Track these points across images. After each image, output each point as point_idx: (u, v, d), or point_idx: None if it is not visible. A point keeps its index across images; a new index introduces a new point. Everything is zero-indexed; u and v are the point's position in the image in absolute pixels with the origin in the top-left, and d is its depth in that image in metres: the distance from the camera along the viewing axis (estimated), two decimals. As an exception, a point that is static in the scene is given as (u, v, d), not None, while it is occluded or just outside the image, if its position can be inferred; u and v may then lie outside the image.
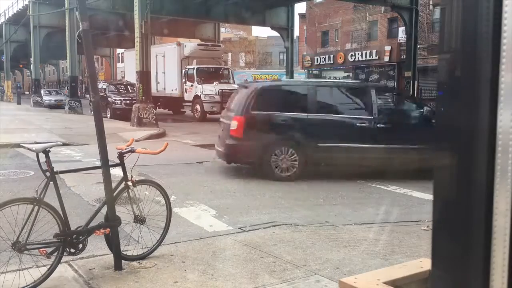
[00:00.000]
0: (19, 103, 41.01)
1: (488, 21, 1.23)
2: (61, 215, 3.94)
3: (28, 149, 4.05)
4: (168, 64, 27.10)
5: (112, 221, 4.24)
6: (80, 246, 4.08)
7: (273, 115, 8.84)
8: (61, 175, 5.36)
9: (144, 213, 4.54)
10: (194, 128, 20.00)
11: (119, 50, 56.25)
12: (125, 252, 4.44)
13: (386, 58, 33.80)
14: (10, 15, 42.68)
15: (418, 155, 8.31)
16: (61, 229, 3.94)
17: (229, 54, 57.06)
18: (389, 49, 33.67)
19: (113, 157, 4.36)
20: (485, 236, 1.26)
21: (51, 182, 3.91)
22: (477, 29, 1.26)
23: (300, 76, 42.57)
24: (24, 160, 10.26)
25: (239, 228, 5.58)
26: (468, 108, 1.30)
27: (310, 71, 41.27)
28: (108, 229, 4.19)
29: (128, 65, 31.45)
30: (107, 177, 4.18)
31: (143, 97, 20.02)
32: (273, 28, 30.53)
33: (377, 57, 34.44)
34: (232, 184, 8.20)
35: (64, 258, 4.12)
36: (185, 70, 25.30)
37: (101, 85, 26.28)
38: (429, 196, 5.27)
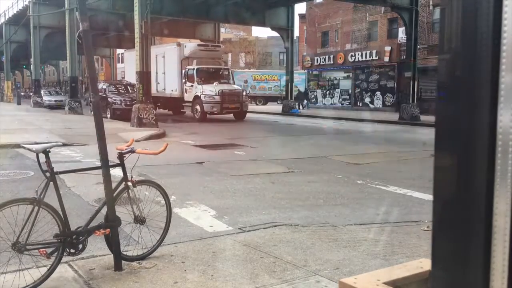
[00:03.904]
0: (19, 103, 41.05)
1: (488, 21, 1.23)
2: (61, 215, 3.94)
3: (28, 149, 4.05)
4: (168, 64, 27.12)
5: (112, 222, 4.24)
6: (80, 246, 4.08)
7: None
8: (61, 176, 5.36)
9: (144, 213, 4.54)
10: (194, 128, 20.01)
11: (119, 51, 56.27)
12: (125, 253, 4.44)
13: (386, 59, 33.83)
14: (10, 16, 42.75)
15: None
16: (61, 229, 3.94)
17: (229, 55, 57.13)
18: (389, 49, 33.70)
19: (113, 158, 4.36)
20: (485, 236, 1.26)
21: (51, 183, 3.91)
22: (477, 29, 1.26)
23: (300, 76, 42.65)
24: (24, 161, 10.26)
25: (239, 228, 5.58)
26: (468, 108, 1.30)
27: (310, 71, 41.29)
28: (108, 230, 4.19)
29: (128, 65, 31.47)
30: (107, 178, 4.19)
31: (143, 98, 20.03)
32: (273, 28, 30.56)
33: (377, 58, 34.47)
34: (232, 184, 8.20)
35: (64, 259, 4.12)
36: (185, 71, 25.31)
37: (101, 85, 26.31)
38: (429, 196, 5.28)
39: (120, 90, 26.64)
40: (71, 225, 4.08)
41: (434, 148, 1.45)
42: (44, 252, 3.80)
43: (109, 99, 24.98)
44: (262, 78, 47.18)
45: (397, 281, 2.38)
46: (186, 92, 25.30)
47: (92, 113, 4.48)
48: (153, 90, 24.93)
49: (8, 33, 42.07)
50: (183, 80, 25.49)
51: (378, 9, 34.72)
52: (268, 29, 31.72)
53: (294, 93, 32.97)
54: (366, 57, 35.24)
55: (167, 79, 27.29)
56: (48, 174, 3.91)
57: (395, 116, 26.46)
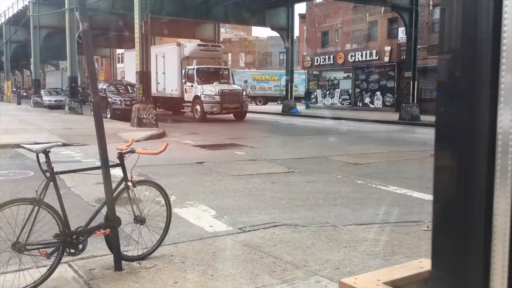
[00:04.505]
0: (19, 103, 41.05)
1: (488, 21, 1.23)
2: (61, 215, 3.94)
3: (28, 149, 4.05)
4: (168, 64, 27.12)
5: (112, 222, 4.24)
6: (80, 246, 4.09)
7: None
8: (61, 176, 5.37)
9: (144, 213, 4.54)
10: (194, 128, 20.01)
11: (119, 51, 56.29)
12: (125, 253, 4.44)
13: (386, 59, 33.81)
14: (10, 16, 42.73)
15: None
16: (61, 229, 3.94)
17: (229, 55, 57.14)
18: (389, 49, 33.68)
19: (113, 158, 4.36)
20: (485, 236, 1.26)
21: (51, 183, 3.91)
22: (477, 29, 1.26)
23: (300, 76, 42.65)
24: (24, 161, 10.26)
25: (239, 228, 5.58)
26: (468, 108, 1.30)
27: (310, 72, 41.29)
28: (108, 230, 4.19)
29: (128, 65, 31.47)
30: (107, 178, 4.19)
31: (143, 98, 20.03)
32: (273, 28, 30.57)
33: (377, 58, 34.44)
34: (232, 184, 8.20)
35: (64, 259, 4.12)
36: (185, 71, 25.31)
37: (101, 85, 26.30)
38: (429, 196, 5.27)
39: (120, 90, 26.64)
40: (71, 225, 4.08)
41: (434, 148, 1.45)
42: (44, 252, 3.80)
43: (109, 99, 24.98)
44: (262, 78, 47.18)
45: (397, 281, 2.38)
46: (186, 92, 25.30)
47: (92, 113, 4.48)
48: (153, 90, 24.93)
49: (8, 33, 42.06)
50: (183, 80, 25.49)
51: (378, 9, 34.71)
52: (268, 29, 31.72)
53: (296, 92, 33.03)
54: (366, 57, 35.22)
55: (167, 79, 27.29)
56: (48, 174, 3.91)
57: (395, 116, 26.46)
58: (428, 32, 31.32)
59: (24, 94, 53.03)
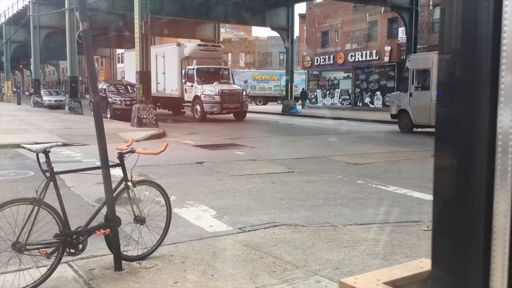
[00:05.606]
0: (19, 103, 41.07)
1: (488, 21, 1.23)
2: (61, 215, 3.94)
3: (28, 149, 4.04)
4: (168, 64, 27.13)
5: (112, 222, 4.24)
6: (80, 246, 4.08)
7: None
8: (61, 176, 5.37)
9: (144, 213, 4.54)
10: (194, 128, 20.01)
11: (119, 51, 56.33)
12: (125, 253, 4.44)
13: (386, 59, 33.82)
14: (10, 16, 42.78)
15: None
16: (61, 229, 3.94)
17: (229, 55, 57.16)
18: (389, 49, 33.70)
19: (113, 158, 4.36)
20: (485, 236, 1.26)
21: (51, 183, 3.91)
22: (477, 29, 1.26)
23: (300, 76, 42.65)
24: (24, 161, 10.26)
25: (239, 228, 5.58)
26: (468, 108, 1.30)
27: (310, 71, 41.30)
28: (108, 230, 4.19)
29: (128, 65, 31.48)
30: (107, 178, 4.18)
31: (143, 98, 20.04)
32: (273, 28, 30.58)
33: (377, 58, 34.46)
34: (232, 184, 8.20)
35: (64, 259, 4.12)
36: (185, 71, 25.32)
37: (101, 85, 26.30)
38: (429, 196, 5.28)
39: (120, 90, 26.64)
40: (71, 225, 4.08)
41: (434, 148, 1.45)
42: (44, 252, 3.79)
43: (109, 99, 24.98)
44: (262, 78, 47.20)
45: (397, 281, 2.38)
46: (186, 92, 25.30)
47: (92, 113, 4.48)
48: (153, 90, 24.94)
49: (8, 33, 42.09)
50: (183, 80, 25.49)
51: (378, 9, 34.73)
52: (268, 29, 31.75)
53: (295, 93, 33.07)
54: (366, 57, 35.23)
55: (167, 79, 27.30)
56: (48, 174, 3.91)
57: (395, 116, 26.41)
58: (428, 32, 31.32)
59: (27, 92, 53.09)
